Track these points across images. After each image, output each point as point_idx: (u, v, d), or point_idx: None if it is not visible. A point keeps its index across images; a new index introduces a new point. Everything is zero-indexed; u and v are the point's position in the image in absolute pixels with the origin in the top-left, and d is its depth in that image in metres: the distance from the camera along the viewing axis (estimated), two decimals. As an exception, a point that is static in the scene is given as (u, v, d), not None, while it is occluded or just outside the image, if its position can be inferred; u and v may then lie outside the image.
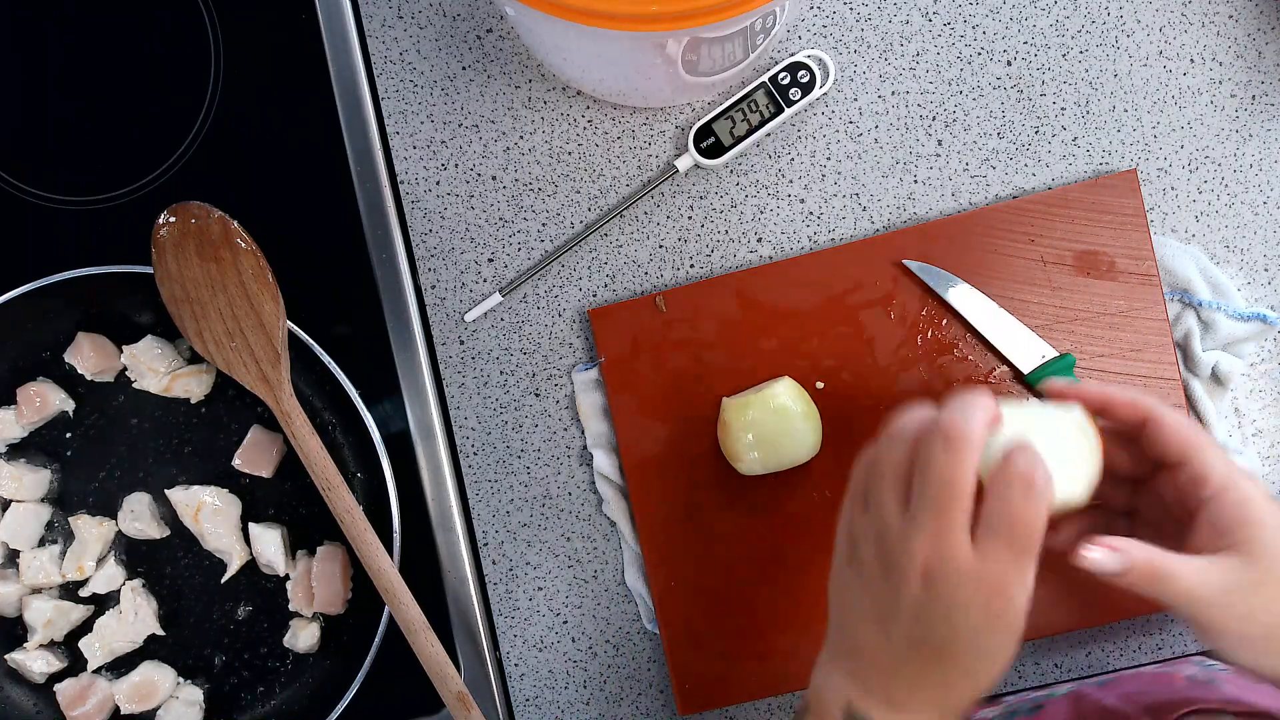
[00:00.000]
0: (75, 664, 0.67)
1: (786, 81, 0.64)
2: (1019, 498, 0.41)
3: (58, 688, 0.65)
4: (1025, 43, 0.65)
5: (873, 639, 0.45)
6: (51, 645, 0.66)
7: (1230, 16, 0.65)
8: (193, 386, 0.66)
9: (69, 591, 0.67)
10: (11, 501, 0.66)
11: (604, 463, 0.65)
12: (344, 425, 0.67)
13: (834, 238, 0.66)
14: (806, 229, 0.66)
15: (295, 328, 0.63)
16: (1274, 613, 0.43)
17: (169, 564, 0.67)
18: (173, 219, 0.61)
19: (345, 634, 0.66)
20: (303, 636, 0.65)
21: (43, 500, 0.66)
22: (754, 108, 0.64)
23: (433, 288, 0.67)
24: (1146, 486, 0.49)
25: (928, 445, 0.43)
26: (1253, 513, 0.43)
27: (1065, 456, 0.44)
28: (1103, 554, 0.43)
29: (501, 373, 0.67)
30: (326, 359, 0.63)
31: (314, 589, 0.65)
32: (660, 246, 0.66)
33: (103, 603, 0.67)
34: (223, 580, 0.66)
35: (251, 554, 0.66)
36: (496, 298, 0.66)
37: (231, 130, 0.68)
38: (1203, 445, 0.45)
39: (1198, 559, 0.43)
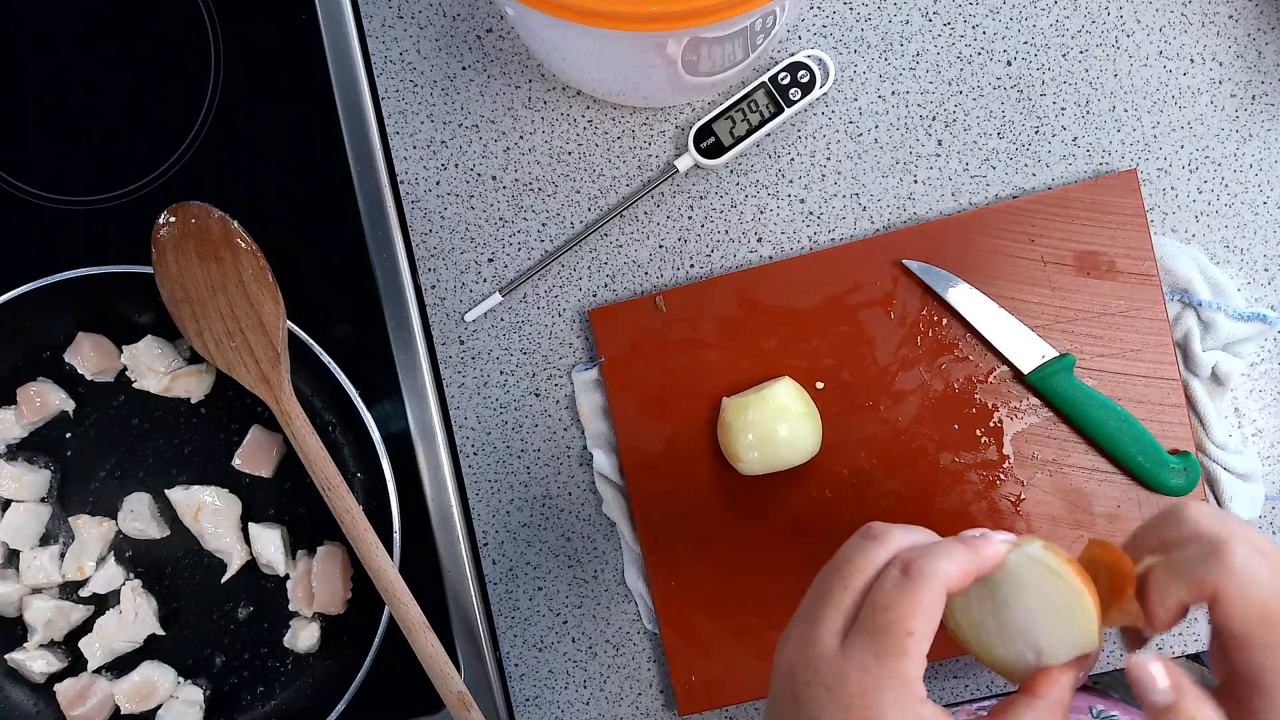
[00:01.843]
0: (75, 664, 0.67)
1: (786, 81, 0.64)
2: (890, 586, 0.38)
3: (58, 688, 0.65)
4: (1025, 43, 0.65)
5: None
6: (51, 645, 0.66)
7: (1230, 16, 0.65)
8: (193, 386, 0.66)
9: (69, 591, 0.67)
10: (11, 501, 0.66)
11: (604, 463, 0.65)
12: (344, 425, 0.67)
13: (834, 238, 0.66)
14: (806, 229, 0.66)
15: (295, 328, 0.63)
16: None
17: (169, 564, 0.67)
18: (173, 219, 0.61)
19: (345, 634, 0.66)
20: (303, 636, 0.65)
21: (43, 500, 0.66)
22: (754, 108, 0.64)
23: (433, 288, 0.67)
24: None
25: (851, 538, 0.40)
26: None
27: (1058, 609, 0.39)
28: (1160, 672, 0.37)
29: (501, 373, 0.67)
30: (326, 359, 0.63)
31: (314, 589, 0.65)
32: (660, 246, 0.66)
33: (103, 603, 0.67)
34: (223, 580, 0.66)
35: (251, 554, 0.66)
36: (496, 298, 0.66)
37: (231, 130, 0.68)
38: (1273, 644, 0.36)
39: None
